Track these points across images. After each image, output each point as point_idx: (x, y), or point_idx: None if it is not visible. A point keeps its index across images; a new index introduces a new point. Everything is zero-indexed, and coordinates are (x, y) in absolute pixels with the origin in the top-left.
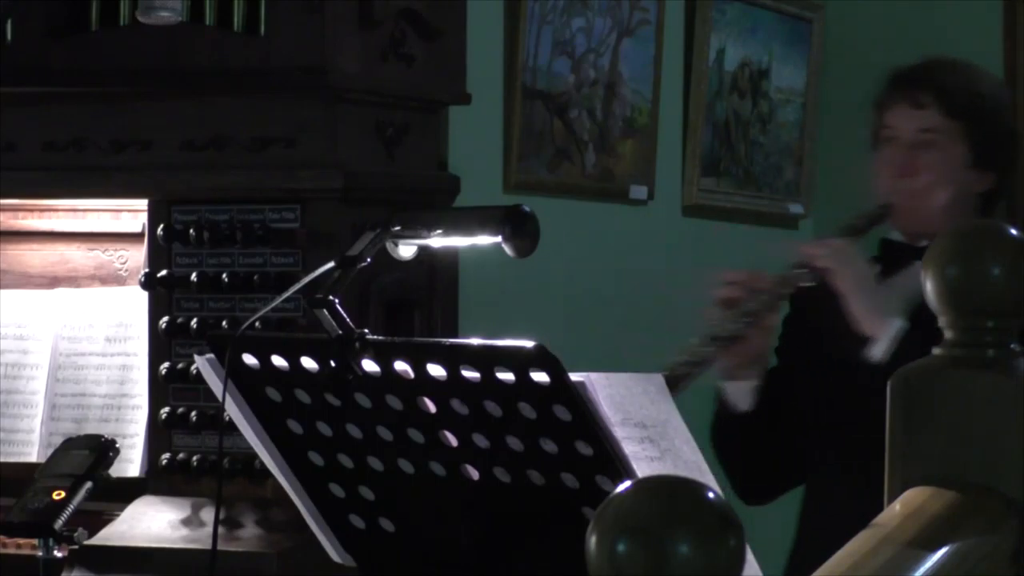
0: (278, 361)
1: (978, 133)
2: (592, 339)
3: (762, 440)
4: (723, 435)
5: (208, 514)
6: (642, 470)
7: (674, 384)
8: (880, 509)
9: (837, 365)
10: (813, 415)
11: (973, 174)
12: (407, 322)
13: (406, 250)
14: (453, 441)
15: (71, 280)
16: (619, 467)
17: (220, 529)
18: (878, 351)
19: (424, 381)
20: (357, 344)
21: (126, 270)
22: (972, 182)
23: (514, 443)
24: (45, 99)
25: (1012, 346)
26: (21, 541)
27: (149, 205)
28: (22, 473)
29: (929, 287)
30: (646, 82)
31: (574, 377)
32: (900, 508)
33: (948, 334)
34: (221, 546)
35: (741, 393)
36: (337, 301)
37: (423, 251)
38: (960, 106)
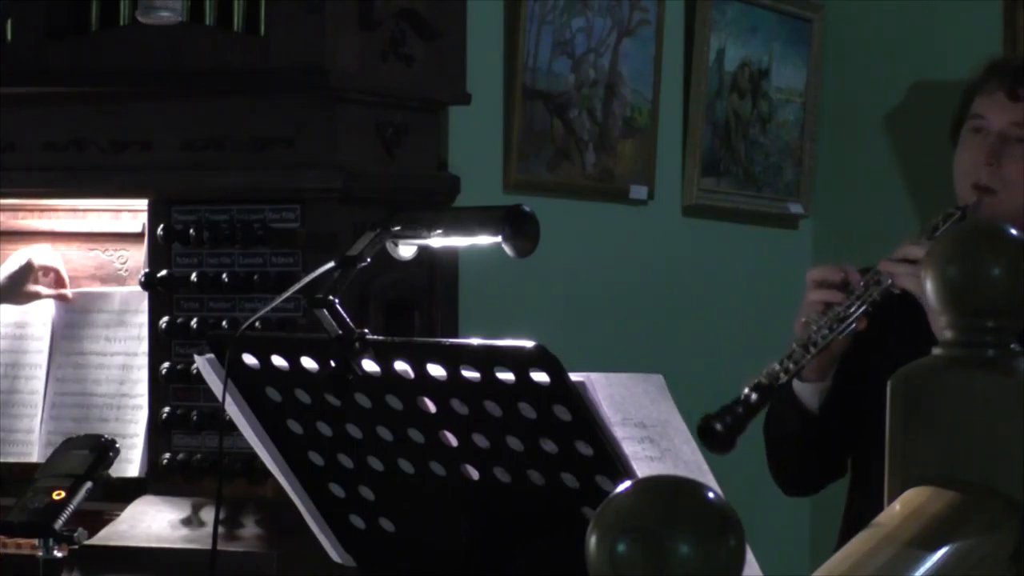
0: (278, 361)
1: None
2: (592, 339)
3: (822, 439)
4: (785, 432)
5: (208, 514)
6: (642, 470)
7: (771, 392)
8: None
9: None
10: (874, 413)
11: None
12: (407, 322)
13: (406, 250)
14: (453, 441)
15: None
16: (619, 467)
17: (220, 529)
18: None
19: (424, 381)
20: (357, 344)
21: (126, 270)
22: None
23: (514, 443)
24: (45, 99)
25: (1012, 346)
26: (21, 541)
27: (149, 205)
28: (22, 473)
29: (929, 287)
30: (646, 82)
31: (574, 377)
32: (900, 508)
33: (948, 334)
34: (221, 546)
35: (810, 393)
36: (337, 301)
37: (423, 251)
38: None
